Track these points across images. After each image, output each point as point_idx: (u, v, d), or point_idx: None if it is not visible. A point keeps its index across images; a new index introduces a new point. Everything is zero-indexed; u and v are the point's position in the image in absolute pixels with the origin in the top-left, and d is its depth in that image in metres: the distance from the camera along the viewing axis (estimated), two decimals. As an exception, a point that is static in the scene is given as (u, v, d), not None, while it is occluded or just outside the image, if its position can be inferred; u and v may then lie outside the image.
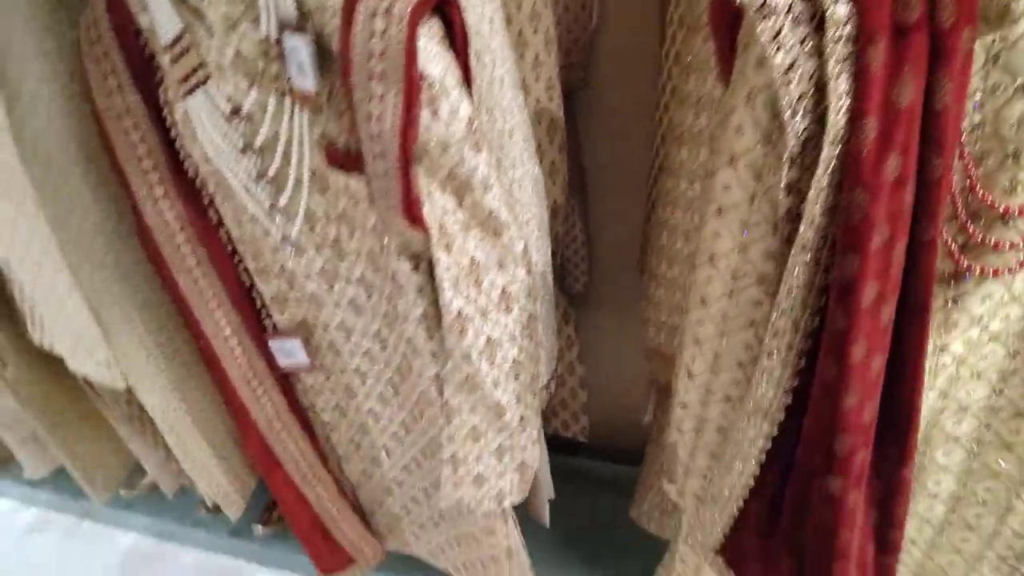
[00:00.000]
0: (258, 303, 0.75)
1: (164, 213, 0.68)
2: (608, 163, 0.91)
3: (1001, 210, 0.50)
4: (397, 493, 0.93)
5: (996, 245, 0.51)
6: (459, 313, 0.59)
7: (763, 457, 0.62)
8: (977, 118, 0.48)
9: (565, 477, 0.95)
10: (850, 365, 0.50)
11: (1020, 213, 0.50)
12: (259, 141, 0.60)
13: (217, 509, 1.21)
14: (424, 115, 0.50)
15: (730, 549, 0.73)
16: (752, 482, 0.64)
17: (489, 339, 0.62)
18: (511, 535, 0.82)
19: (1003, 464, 0.65)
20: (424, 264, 0.61)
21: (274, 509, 1.17)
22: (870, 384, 0.52)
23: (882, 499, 0.60)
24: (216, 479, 0.89)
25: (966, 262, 0.53)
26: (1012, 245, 0.51)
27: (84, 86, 0.64)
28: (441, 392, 0.69)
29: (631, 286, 1.01)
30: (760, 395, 0.58)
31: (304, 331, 0.76)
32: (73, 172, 0.67)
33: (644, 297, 0.75)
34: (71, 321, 0.68)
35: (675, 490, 0.76)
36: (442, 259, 0.56)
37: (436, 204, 0.55)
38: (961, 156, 0.49)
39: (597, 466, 1.21)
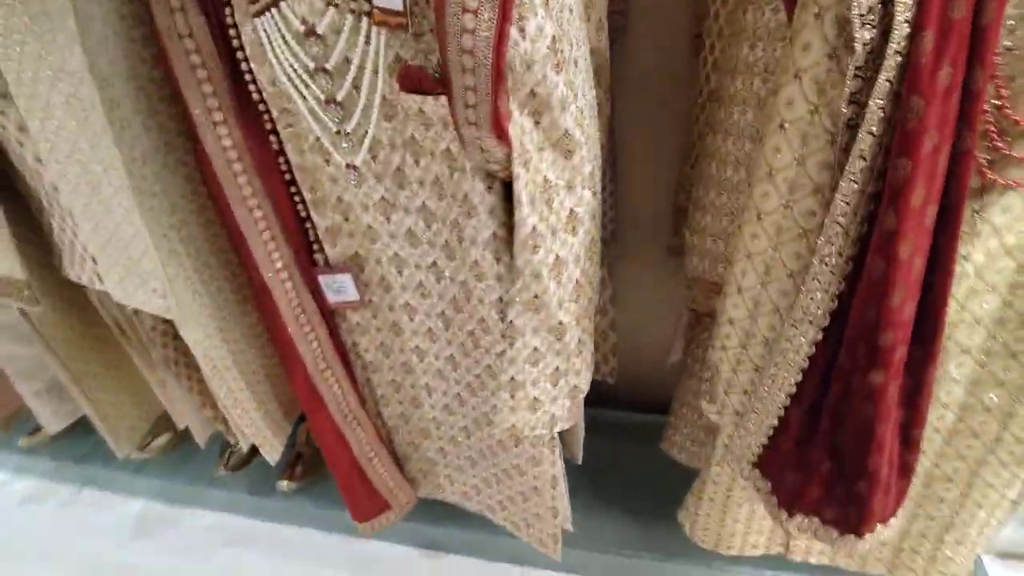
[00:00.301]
0: (311, 236, 0.79)
1: (222, 139, 0.70)
2: (637, 118, 0.97)
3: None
4: (435, 435, 0.98)
5: (1020, 159, 0.60)
6: (534, 229, 0.65)
7: (806, 364, 0.70)
8: (1008, 43, 0.56)
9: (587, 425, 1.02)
10: (898, 263, 0.58)
11: (1041, 129, 0.58)
12: (331, 64, 0.64)
13: (236, 468, 1.23)
14: (512, 32, 0.55)
15: (767, 460, 0.82)
16: (794, 390, 0.73)
17: (558, 258, 0.68)
18: (557, 464, 0.89)
19: (1008, 372, 0.75)
20: (497, 185, 0.67)
21: (298, 464, 1.21)
22: (912, 282, 0.60)
23: (909, 397, 0.69)
24: (256, 422, 0.92)
25: (992, 175, 0.62)
26: (1033, 159, 0.60)
27: (140, 5, 0.65)
28: (503, 317, 0.75)
29: (653, 243, 1.09)
30: (808, 301, 0.66)
31: (355, 266, 0.80)
32: (124, 98, 0.68)
33: (687, 228, 0.82)
34: (126, 247, 0.70)
35: (714, 409, 0.84)
36: (521, 175, 0.62)
37: (516, 123, 0.61)
38: (994, 77, 0.58)
39: (618, 415, 1.30)
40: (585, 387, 0.81)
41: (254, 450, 1.26)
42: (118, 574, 1.20)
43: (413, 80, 0.63)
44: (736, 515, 0.98)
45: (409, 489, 1.05)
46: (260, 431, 0.94)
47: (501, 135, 0.60)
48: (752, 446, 0.81)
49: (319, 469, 1.24)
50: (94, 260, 0.76)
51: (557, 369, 0.77)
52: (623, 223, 1.07)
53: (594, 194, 0.68)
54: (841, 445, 0.72)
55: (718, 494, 0.95)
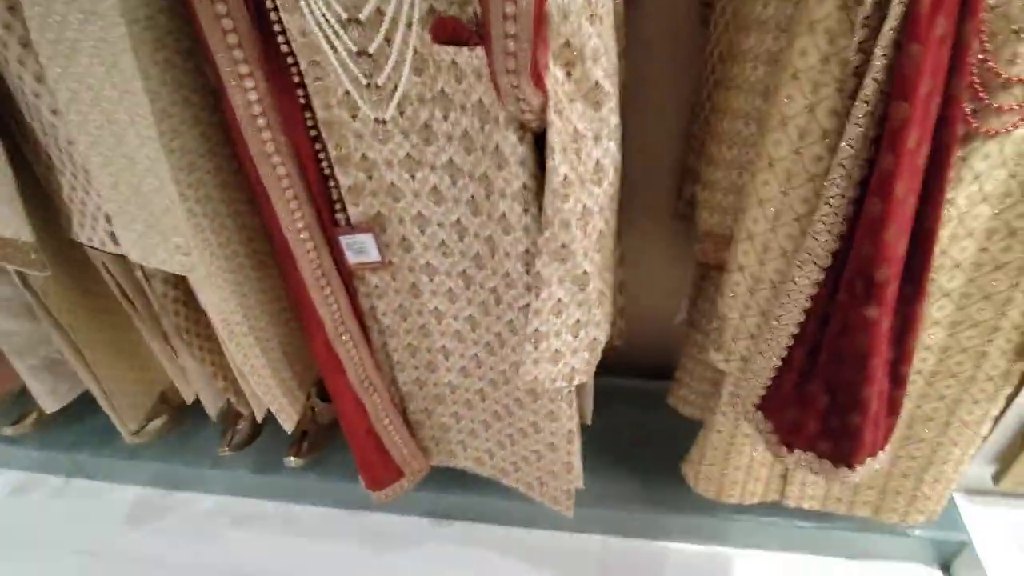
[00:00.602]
0: (334, 195, 0.79)
1: (247, 92, 0.69)
2: (642, 84, 1.01)
3: (1003, 79, 0.65)
4: (449, 399, 0.99)
5: (999, 108, 0.66)
6: (565, 178, 0.67)
7: (809, 304, 0.75)
8: (992, 1, 0.62)
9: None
10: (893, 201, 0.63)
11: (1017, 81, 0.65)
12: (364, 14, 0.65)
13: (240, 447, 1.21)
14: (552, -20, 0.58)
15: (769, 401, 0.86)
16: (797, 330, 0.77)
17: (585, 207, 0.71)
18: (573, 418, 0.92)
19: (982, 313, 0.82)
20: (528, 136, 0.69)
21: (304, 441, 1.19)
22: (905, 219, 0.66)
23: (899, 334, 0.74)
24: (272, 388, 0.91)
25: (975, 123, 0.68)
26: (1010, 108, 0.66)
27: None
28: (528, 269, 0.77)
29: (658, 209, 1.13)
30: (813, 243, 0.71)
31: (377, 225, 0.81)
32: (142, 47, 0.66)
33: (699, 183, 0.86)
34: (148, 202, 0.67)
35: (722, 357, 0.88)
36: (555, 123, 0.64)
37: (550, 73, 0.63)
38: (979, 33, 0.64)
39: (624, 382, 1.34)
40: (603, 339, 0.84)
41: (257, 429, 1.25)
42: (117, 562, 1.15)
43: (448, 31, 0.64)
44: (737, 463, 1.03)
45: (422, 457, 1.06)
46: (276, 398, 0.92)
47: (539, 82, 0.62)
48: (756, 388, 0.85)
49: (325, 445, 1.23)
50: (108, 220, 0.73)
51: (578, 321, 0.79)
52: (626, 187, 1.11)
53: (618, 147, 0.71)
54: (837, 378, 0.77)
55: (720, 442, 0.99)
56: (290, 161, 0.75)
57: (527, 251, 0.76)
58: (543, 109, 0.64)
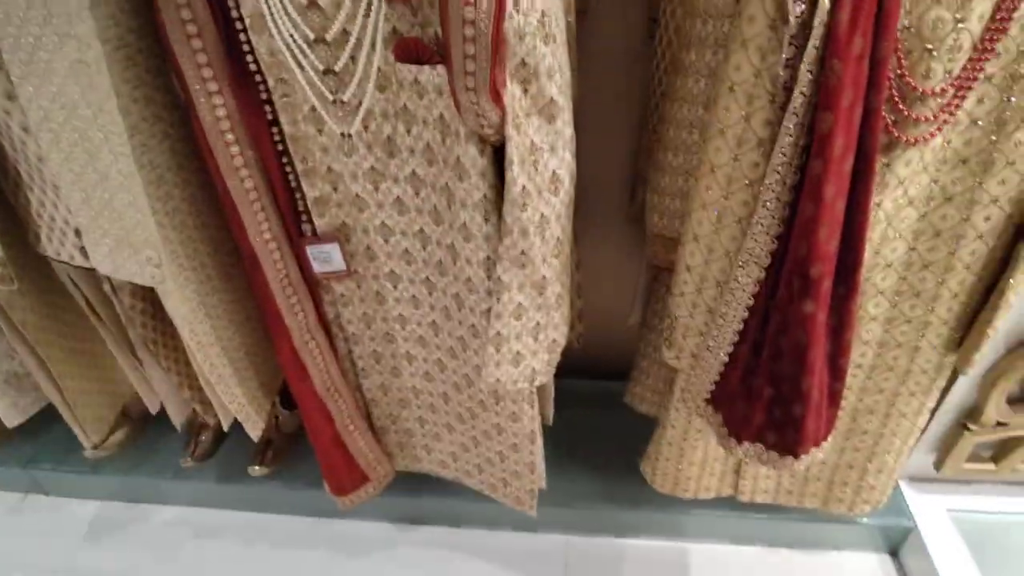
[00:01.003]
0: (300, 207, 0.83)
1: (216, 109, 0.73)
2: (595, 95, 1.08)
3: (920, 92, 0.73)
4: (414, 404, 1.03)
5: (916, 119, 0.75)
6: (523, 188, 0.73)
7: (751, 301, 0.82)
8: (906, 22, 0.70)
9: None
10: (824, 203, 0.71)
11: (932, 94, 0.73)
12: (330, 35, 0.69)
13: (204, 458, 1.22)
14: (507, 5, 0.64)
15: (718, 395, 0.93)
16: (741, 326, 0.84)
17: (542, 216, 0.76)
18: (535, 419, 0.97)
19: (914, 310, 0.90)
20: (488, 150, 0.74)
21: (268, 450, 1.21)
22: (836, 220, 0.73)
23: (835, 330, 0.82)
24: (238, 398, 0.94)
25: (896, 133, 0.76)
26: (926, 119, 0.75)
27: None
28: (489, 275, 0.82)
29: (611, 214, 1.19)
30: (753, 243, 0.78)
31: (342, 235, 0.85)
32: (113, 65, 0.68)
33: (649, 189, 0.93)
34: (120, 216, 0.70)
35: (674, 354, 0.95)
36: (513, 136, 0.70)
37: (507, 91, 0.69)
38: (896, 50, 0.72)
39: (583, 384, 1.39)
40: (562, 341, 0.90)
41: (220, 440, 1.26)
42: (75, 579, 1.15)
43: (410, 50, 0.69)
44: (691, 459, 1.09)
45: (387, 462, 1.09)
46: (242, 406, 0.95)
47: (497, 99, 0.68)
48: (706, 383, 0.92)
49: (289, 454, 1.25)
50: (77, 234, 0.75)
51: (538, 323, 0.84)
52: (581, 194, 1.17)
53: (573, 157, 0.77)
54: (779, 371, 0.83)
55: (675, 437, 1.06)
56: (257, 174, 0.79)
57: (488, 258, 0.81)
58: (501, 124, 0.70)
